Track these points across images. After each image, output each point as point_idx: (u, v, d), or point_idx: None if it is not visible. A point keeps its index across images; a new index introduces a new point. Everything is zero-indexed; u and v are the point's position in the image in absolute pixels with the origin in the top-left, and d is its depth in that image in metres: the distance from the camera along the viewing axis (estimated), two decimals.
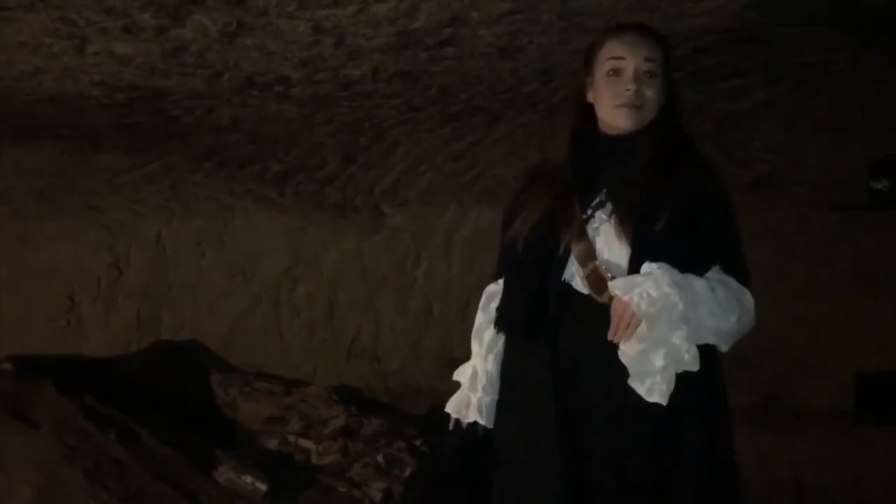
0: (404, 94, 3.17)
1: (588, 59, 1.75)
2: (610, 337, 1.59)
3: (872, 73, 3.01)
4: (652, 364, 1.56)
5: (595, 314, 1.62)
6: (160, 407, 3.58)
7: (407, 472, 3.41)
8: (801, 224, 4.16)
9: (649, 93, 1.67)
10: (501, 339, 1.75)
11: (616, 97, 1.67)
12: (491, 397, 1.74)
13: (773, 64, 2.96)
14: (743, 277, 1.66)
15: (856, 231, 4.08)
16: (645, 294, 1.56)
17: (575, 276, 1.65)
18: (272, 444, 3.60)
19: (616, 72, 1.68)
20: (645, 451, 1.60)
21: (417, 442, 3.60)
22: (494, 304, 1.77)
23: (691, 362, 1.57)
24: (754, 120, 3.51)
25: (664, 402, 1.56)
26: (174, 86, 3.02)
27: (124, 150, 3.90)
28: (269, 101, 3.21)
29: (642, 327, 1.57)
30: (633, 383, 1.57)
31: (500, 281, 1.78)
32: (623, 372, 1.60)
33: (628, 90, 1.66)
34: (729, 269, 1.65)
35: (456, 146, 3.88)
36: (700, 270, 1.62)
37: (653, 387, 1.56)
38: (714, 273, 1.64)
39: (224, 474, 3.18)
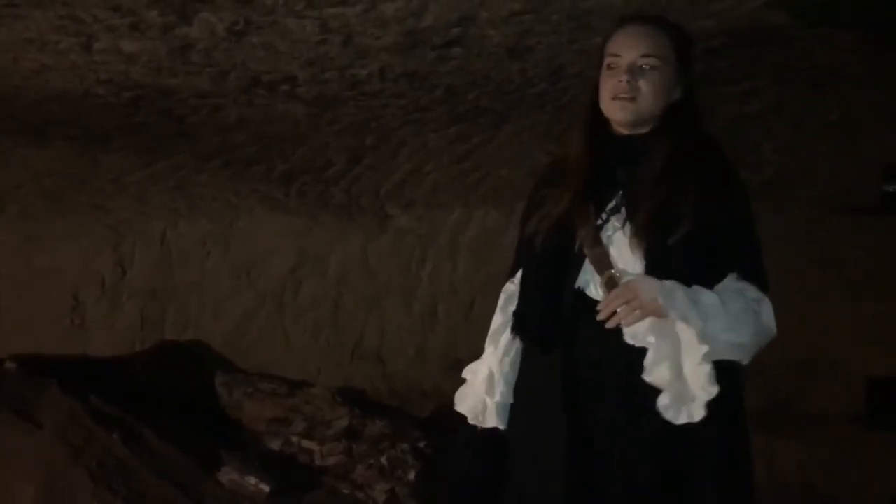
0: (411, 94, 3.16)
1: (599, 56, 1.74)
2: (601, 308, 1.56)
3: (885, 76, 2.99)
4: (690, 392, 1.53)
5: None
6: (164, 407, 3.57)
7: (411, 475, 3.39)
8: (812, 227, 4.14)
9: (644, 84, 1.63)
10: (517, 342, 1.72)
11: (609, 90, 1.65)
12: (507, 401, 1.72)
13: (783, 66, 2.94)
14: (761, 285, 1.62)
15: (867, 234, 4.06)
16: (668, 298, 1.54)
17: (590, 283, 1.63)
18: (276, 445, 3.58)
19: (614, 66, 1.66)
20: (658, 464, 1.57)
21: (422, 444, 3.58)
22: (513, 306, 1.74)
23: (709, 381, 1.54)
24: (764, 122, 3.49)
25: (699, 417, 1.53)
26: (181, 84, 3.01)
27: (131, 150, 3.89)
28: (275, 100, 3.21)
29: (647, 323, 1.53)
30: (669, 415, 1.54)
31: (517, 279, 1.75)
32: (637, 380, 1.57)
33: (620, 81, 1.63)
34: (746, 277, 1.61)
35: (462, 147, 3.86)
36: (715, 280, 1.59)
37: (692, 412, 1.54)
38: (731, 282, 1.60)
39: (227, 475, 3.16)
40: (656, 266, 1.58)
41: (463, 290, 4.52)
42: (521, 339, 1.70)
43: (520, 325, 1.70)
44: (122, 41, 2.61)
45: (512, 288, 1.77)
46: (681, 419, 1.54)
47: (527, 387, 1.69)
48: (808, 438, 3.94)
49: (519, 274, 1.75)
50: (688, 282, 1.58)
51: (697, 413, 1.53)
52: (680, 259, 1.58)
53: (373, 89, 3.09)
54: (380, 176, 4.19)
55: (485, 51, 2.73)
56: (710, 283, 1.59)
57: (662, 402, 1.55)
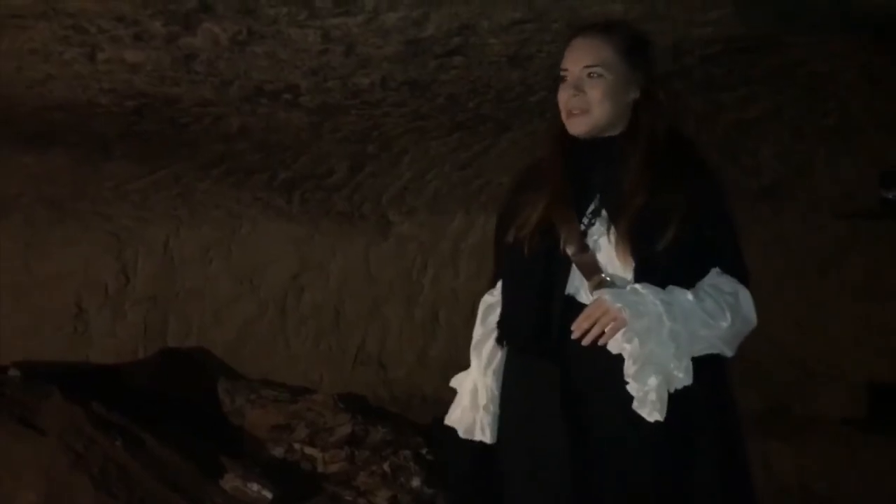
0: (412, 102, 3.18)
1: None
2: (573, 328, 1.57)
3: (882, 82, 3.01)
4: (648, 385, 1.55)
5: None
6: (167, 414, 3.58)
7: (413, 482, 3.40)
8: (810, 232, 4.15)
9: (594, 93, 1.66)
10: (500, 353, 1.73)
11: (562, 103, 1.69)
12: (493, 415, 1.73)
13: (780, 72, 2.96)
14: (741, 276, 1.65)
15: (866, 239, 4.07)
16: (633, 307, 1.55)
17: (579, 290, 1.64)
18: (278, 451, 3.59)
19: (563, 80, 1.69)
20: (653, 467, 1.58)
21: (423, 451, 3.60)
22: (493, 316, 1.75)
23: (685, 378, 1.56)
24: (762, 128, 3.51)
25: (661, 417, 1.55)
26: (184, 94, 3.03)
27: (133, 158, 3.91)
28: (277, 109, 3.22)
29: (634, 346, 1.55)
30: (637, 408, 1.56)
31: (497, 291, 1.76)
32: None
33: (569, 96, 1.67)
34: (728, 270, 1.64)
35: (463, 154, 3.88)
36: (700, 276, 1.62)
37: (652, 409, 1.55)
38: (711, 276, 1.63)
39: (230, 482, 3.18)
40: (646, 270, 1.59)
41: (464, 297, 4.53)
42: (511, 348, 1.70)
43: (509, 334, 1.70)
44: (125, 51, 2.63)
45: (491, 299, 1.77)
46: (654, 416, 1.55)
47: (518, 396, 1.68)
48: (808, 443, 3.94)
49: (499, 285, 1.75)
50: (676, 282, 1.60)
51: (662, 411, 1.55)
52: (668, 261, 1.59)
53: (374, 98, 3.11)
54: (381, 183, 4.21)
55: (485, 59, 2.75)
56: (696, 280, 1.61)
57: (637, 400, 1.56)
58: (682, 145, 1.70)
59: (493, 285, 1.78)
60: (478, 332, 1.77)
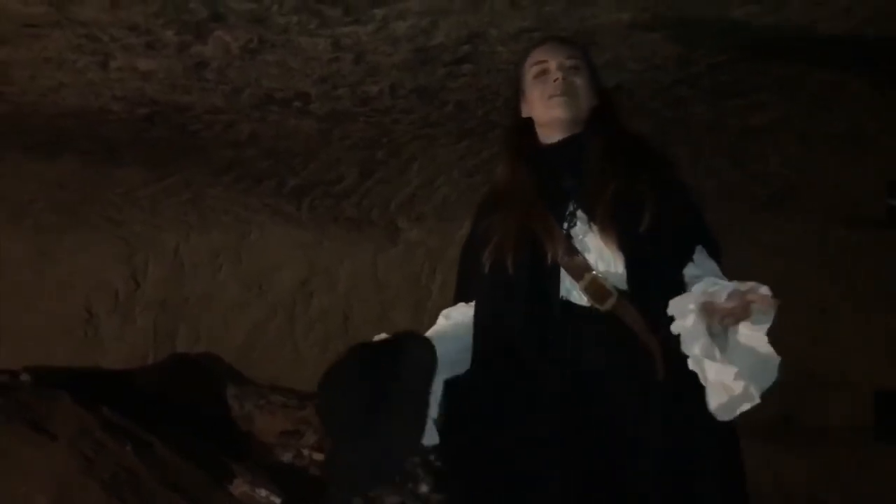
0: (421, 109, 3.20)
1: (517, 81, 1.80)
2: (749, 294, 1.54)
3: (891, 88, 3.01)
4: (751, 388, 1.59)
5: (596, 326, 1.62)
6: (176, 419, 3.59)
7: (422, 487, 3.41)
8: (818, 240, 4.15)
9: (578, 81, 1.71)
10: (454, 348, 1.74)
11: (546, 91, 1.71)
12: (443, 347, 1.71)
13: (787, 80, 2.97)
14: (719, 254, 1.69)
15: (873, 247, 4.07)
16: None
17: (571, 292, 1.64)
18: (287, 457, 3.60)
19: (542, 72, 1.72)
20: (654, 467, 1.58)
21: (431, 457, 3.60)
22: (458, 315, 1.77)
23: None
24: (770, 135, 3.52)
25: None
26: (195, 101, 3.06)
27: (143, 164, 3.94)
28: (287, 116, 3.25)
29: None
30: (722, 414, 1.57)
31: (471, 305, 1.76)
32: (637, 380, 1.59)
33: (556, 80, 1.70)
34: (708, 249, 1.67)
35: (472, 161, 3.90)
36: (687, 256, 1.65)
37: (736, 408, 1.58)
38: (700, 259, 1.65)
39: (239, 487, 3.19)
40: (636, 258, 1.61)
41: None
42: (508, 358, 1.67)
43: (505, 344, 1.68)
44: (138, 59, 2.66)
45: (464, 307, 1.79)
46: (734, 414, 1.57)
47: (504, 405, 1.66)
48: (817, 451, 3.94)
49: (471, 305, 1.76)
50: (666, 265, 1.62)
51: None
52: (654, 245, 1.62)
53: (384, 105, 3.13)
54: (390, 190, 4.23)
55: (494, 67, 2.77)
56: (684, 261, 1.64)
57: (717, 403, 1.56)
58: (637, 140, 1.74)
59: (462, 302, 1.79)
60: (440, 322, 1.80)
